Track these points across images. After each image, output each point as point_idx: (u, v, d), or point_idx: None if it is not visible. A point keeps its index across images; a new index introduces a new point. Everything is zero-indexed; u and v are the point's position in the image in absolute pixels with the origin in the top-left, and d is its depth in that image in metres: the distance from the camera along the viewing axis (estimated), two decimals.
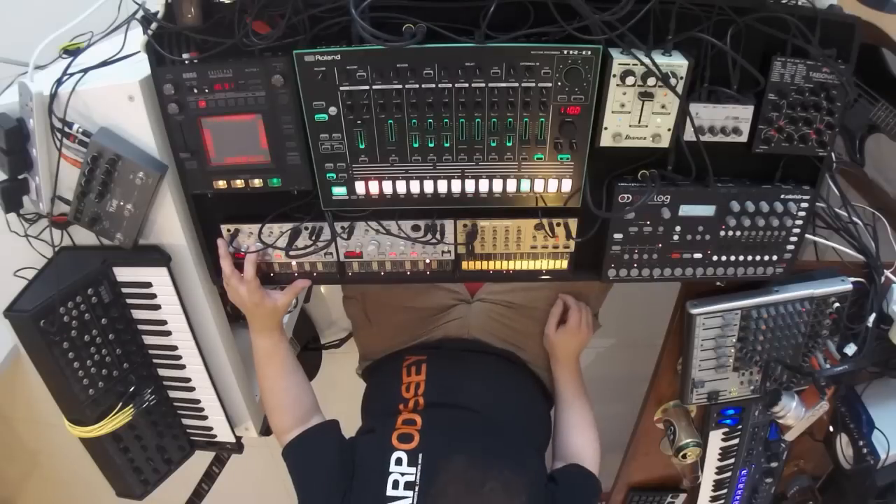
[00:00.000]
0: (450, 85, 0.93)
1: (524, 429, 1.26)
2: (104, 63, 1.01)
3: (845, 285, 1.19)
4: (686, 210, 1.06)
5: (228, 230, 1.11)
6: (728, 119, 0.98)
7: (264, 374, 1.24)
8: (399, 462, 1.07)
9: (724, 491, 1.55)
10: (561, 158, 1.00)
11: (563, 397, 1.35)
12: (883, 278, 1.20)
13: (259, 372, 1.25)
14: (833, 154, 1.06)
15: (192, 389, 1.26)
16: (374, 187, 1.02)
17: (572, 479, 1.21)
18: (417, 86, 0.93)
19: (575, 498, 1.18)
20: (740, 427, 1.44)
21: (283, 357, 1.24)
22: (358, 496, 1.07)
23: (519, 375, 1.37)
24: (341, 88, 0.93)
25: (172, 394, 1.26)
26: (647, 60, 0.89)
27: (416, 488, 1.04)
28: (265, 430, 1.48)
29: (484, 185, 1.02)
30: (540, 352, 1.40)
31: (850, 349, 1.21)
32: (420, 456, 1.08)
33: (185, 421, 1.31)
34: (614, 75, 0.91)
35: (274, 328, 1.22)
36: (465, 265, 1.14)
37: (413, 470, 1.06)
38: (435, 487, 1.04)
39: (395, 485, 1.05)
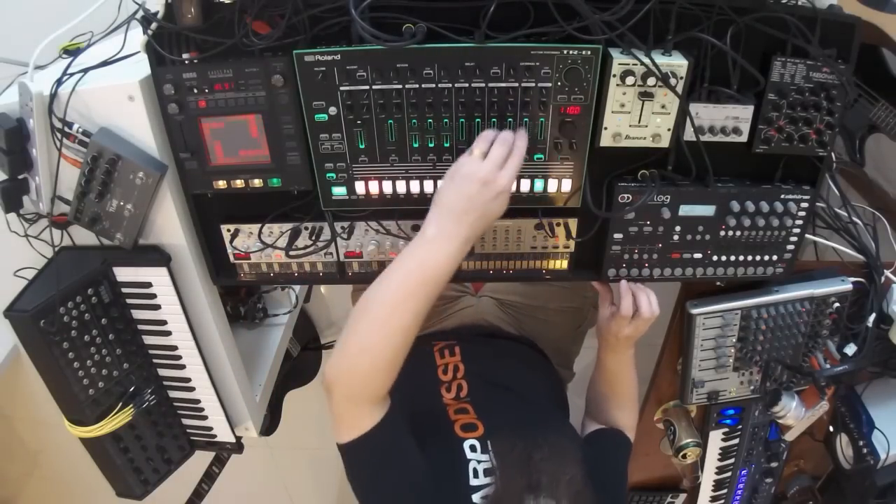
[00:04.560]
0: (450, 85, 0.93)
1: (556, 406, 1.26)
2: (104, 63, 1.00)
3: (845, 285, 1.19)
4: (686, 210, 1.06)
5: (228, 230, 1.11)
6: (728, 119, 0.98)
7: (421, 294, 0.92)
8: (474, 449, 1.03)
9: (724, 491, 1.55)
10: (561, 158, 1.00)
11: (612, 380, 1.25)
12: (883, 278, 1.20)
13: (398, 289, 0.92)
14: (833, 154, 1.06)
15: (192, 389, 1.26)
16: (374, 187, 1.02)
17: (609, 441, 1.22)
18: (417, 86, 0.93)
19: (615, 460, 1.19)
20: (740, 427, 1.44)
21: (445, 282, 0.95)
22: (440, 492, 0.98)
23: (540, 359, 1.38)
24: (341, 88, 0.93)
25: (172, 394, 1.26)
26: (647, 60, 0.89)
27: (497, 474, 0.99)
28: (265, 430, 1.48)
29: None
30: (548, 351, 1.41)
31: (850, 349, 1.21)
32: (489, 442, 1.04)
33: (185, 421, 1.31)
34: (614, 75, 0.91)
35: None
36: (465, 265, 1.14)
37: (486, 457, 1.02)
38: (509, 472, 0.98)
39: (476, 473, 1.00)
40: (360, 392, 0.95)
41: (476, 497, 0.97)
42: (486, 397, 1.16)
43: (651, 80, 0.91)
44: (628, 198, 1.04)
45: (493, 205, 0.92)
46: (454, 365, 1.23)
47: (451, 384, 1.19)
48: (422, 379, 1.24)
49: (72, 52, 1.06)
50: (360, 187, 1.02)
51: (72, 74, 0.97)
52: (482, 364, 1.24)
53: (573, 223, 1.10)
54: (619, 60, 0.90)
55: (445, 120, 0.96)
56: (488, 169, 0.90)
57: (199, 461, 1.47)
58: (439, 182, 1.01)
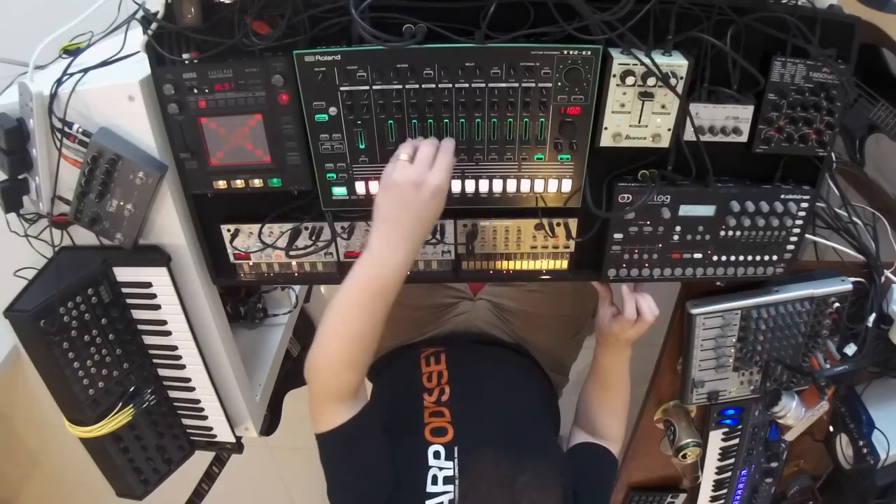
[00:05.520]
0: (450, 85, 0.93)
1: (542, 417, 1.26)
2: (104, 63, 1.00)
3: (845, 285, 1.19)
4: (686, 210, 1.06)
5: (228, 230, 1.11)
6: (728, 119, 0.98)
7: (374, 306, 0.95)
8: (437, 456, 1.04)
9: (724, 491, 1.55)
10: (561, 158, 1.00)
11: (605, 381, 1.25)
12: (883, 278, 1.20)
13: (355, 304, 0.95)
14: (833, 154, 1.06)
15: (192, 389, 1.26)
16: (374, 187, 1.02)
17: (594, 458, 1.21)
18: (417, 86, 0.93)
19: (597, 479, 1.18)
20: (740, 427, 1.44)
21: (399, 287, 0.97)
22: (398, 494, 1.00)
23: (531, 367, 1.38)
24: (341, 89, 0.93)
25: (172, 394, 1.26)
26: (647, 60, 0.89)
27: (456, 482, 1.00)
28: (265, 430, 1.48)
29: (484, 185, 1.02)
30: (542, 357, 1.40)
31: (850, 349, 1.21)
32: (456, 449, 1.05)
33: (185, 421, 1.31)
34: (614, 75, 0.91)
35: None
36: (465, 265, 1.14)
37: (451, 464, 1.03)
38: (472, 481, 1.01)
39: (435, 480, 1.01)
40: (324, 390, 1.01)
41: None
42: (465, 404, 1.16)
43: (651, 80, 0.91)
44: (628, 198, 1.04)
45: (431, 205, 0.91)
46: (438, 372, 1.24)
47: (433, 390, 1.20)
48: (406, 386, 1.25)
49: (72, 52, 1.06)
50: (360, 187, 1.02)
51: (72, 74, 0.97)
52: (467, 370, 1.24)
53: (573, 223, 1.10)
54: (619, 60, 0.90)
55: (445, 120, 0.96)
56: (418, 170, 0.90)
57: (199, 461, 1.47)
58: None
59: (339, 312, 0.97)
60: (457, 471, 1.02)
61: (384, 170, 0.93)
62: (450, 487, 1.00)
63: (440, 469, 1.02)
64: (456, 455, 1.04)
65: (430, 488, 1.00)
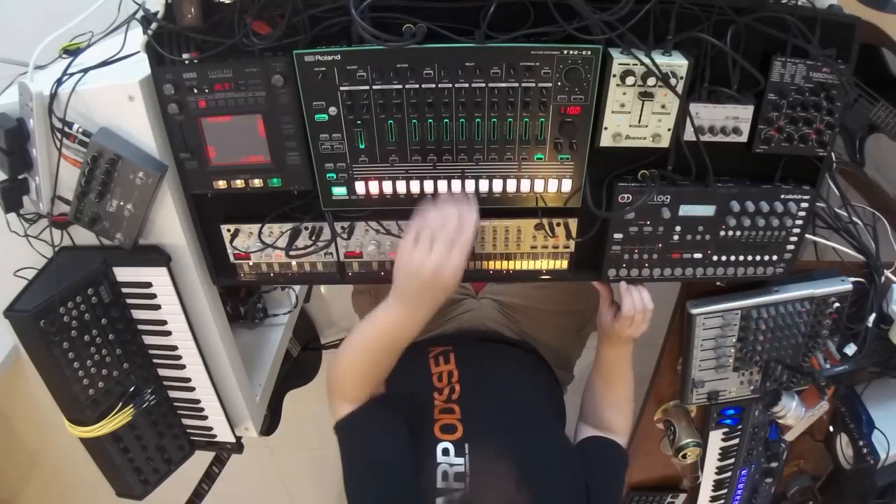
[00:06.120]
0: (450, 85, 0.93)
1: (551, 413, 1.26)
2: (104, 63, 1.00)
3: (845, 285, 1.19)
4: (686, 210, 1.06)
5: (228, 230, 1.11)
6: (728, 119, 0.98)
7: (390, 349, 1.06)
8: (446, 452, 1.04)
9: (724, 491, 1.55)
10: (561, 158, 1.00)
11: (609, 376, 1.26)
12: (883, 278, 1.20)
13: (371, 343, 1.07)
14: (833, 154, 1.06)
15: (192, 389, 1.26)
16: (374, 187, 1.02)
17: (603, 451, 1.21)
18: (417, 86, 0.93)
19: (609, 471, 1.19)
20: (740, 427, 1.44)
21: (409, 340, 1.07)
22: (410, 489, 1.02)
23: (537, 364, 1.38)
24: (341, 88, 0.93)
25: (172, 394, 1.26)
26: (647, 60, 0.89)
27: (467, 479, 1.01)
28: (265, 430, 1.48)
29: (484, 185, 1.02)
30: (547, 353, 1.41)
31: (850, 349, 1.21)
32: (466, 446, 1.05)
33: (185, 421, 1.31)
34: (614, 75, 0.91)
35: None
36: (465, 265, 1.14)
37: (461, 461, 1.03)
38: (484, 478, 1.01)
39: (445, 476, 1.02)
40: (343, 394, 1.10)
41: (440, 501, 0.99)
42: (474, 401, 1.16)
43: (651, 80, 0.91)
44: (628, 198, 1.04)
45: (450, 283, 0.97)
46: (448, 371, 1.24)
47: (443, 389, 1.21)
48: (416, 386, 1.24)
49: (72, 52, 1.06)
50: (360, 187, 1.02)
51: (72, 74, 0.97)
52: (476, 369, 1.25)
53: (573, 223, 1.10)
54: (619, 60, 0.90)
55: (445, 120, 0.96)
56: (436, 260, 0.95)
57: (199, 461, 1.47)
58: (439, 182, 1.01)
59: (358, 345, 1.08)
60: (468, 467, 1.02)
61: (401, 245, 0.99)
62: (461, 484, 1.01)
63: (450, 465, 1.03)
64: (466, 452, 1.04)
65: (440, 484, 1.01)
